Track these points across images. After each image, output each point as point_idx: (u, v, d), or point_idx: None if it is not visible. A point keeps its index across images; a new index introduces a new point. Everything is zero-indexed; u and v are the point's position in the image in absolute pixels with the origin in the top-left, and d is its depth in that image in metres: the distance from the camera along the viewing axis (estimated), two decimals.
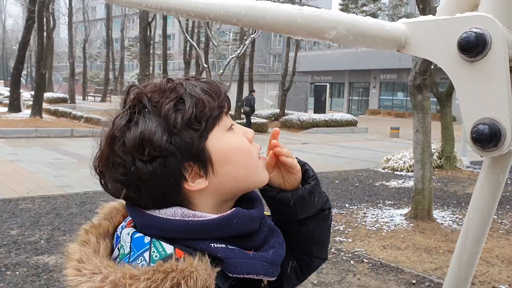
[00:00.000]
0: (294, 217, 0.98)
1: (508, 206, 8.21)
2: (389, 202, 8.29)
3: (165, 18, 33.28)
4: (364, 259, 5.27)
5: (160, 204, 0.81)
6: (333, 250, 5.53)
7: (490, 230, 5.20)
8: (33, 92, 23.48)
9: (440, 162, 12.06)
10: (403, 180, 10.59)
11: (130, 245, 0.78)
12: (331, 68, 42.61)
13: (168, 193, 0.80)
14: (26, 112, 21.41)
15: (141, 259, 0.76)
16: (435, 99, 12.31)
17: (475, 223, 0.94)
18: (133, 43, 57.25)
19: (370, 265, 5.11)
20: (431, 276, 4.85)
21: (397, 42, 0.96)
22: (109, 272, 0.72)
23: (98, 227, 0.85)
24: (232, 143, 0.85)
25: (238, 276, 0.80)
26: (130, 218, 0.86)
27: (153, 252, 0.76)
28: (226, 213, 0.82)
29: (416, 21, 0.94)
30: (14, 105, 21.78)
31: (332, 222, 6.03)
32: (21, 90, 23.97)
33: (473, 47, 0.83)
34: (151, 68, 32.09)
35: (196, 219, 0.79)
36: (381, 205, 8.02)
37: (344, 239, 6.00)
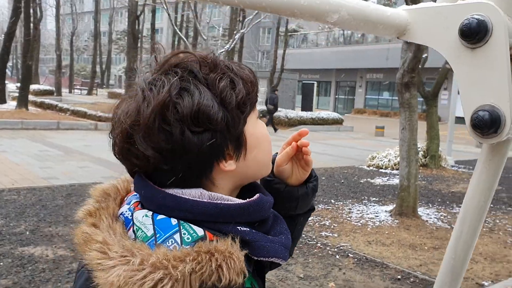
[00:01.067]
0: (291, 211, 1.01)
1: (491, 205, 8.29)
2: (374, 198, 8.34)
3: (153, 12, 33.05)
4: (349, 254, 5.31)
5: (184, 183, 0.78)
6: (319, 244, 5.56)
7: None
8: (19, 84, 23.16)
9: (425, 160, 12.17)
10: (387, 177, 10.67)
11: (154, 227, 0.74)
12: (319, 66, 42.68)
13: (202, 169, 0.79)
14: (11, 104, 21.09)
15: (171, 241, 0.73)
16: (421, 99, 12.40)
17: (472, 210, 0.95)
18: (120, 37, 56.76)
19: (356, 260, 5.15)
20: (416, 272, 4.89)
21: (397, 29, 0.96)
22: (146, 254, 0.69)
23: (107, 209, 0.81)
24: (262, 130, 0.88)
25: (263, 259, 0.80)
26: (136, 200, 0.82)
27: (184, 234, 0.74)
28: (253, 198, 0.82)
29: (417, 8, 0.95)
30: None
31: (318, 217, 6.04)
32: (6, 82, 23.61)
33: (475, 33, 0.84)
34: (138, 62, 31.86)
35: (225, 202, 0.78)
36: (366, 201, 8.07)
37: (330, 234, 6.03)
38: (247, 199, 0.81)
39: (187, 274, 0.67)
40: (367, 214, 7.16)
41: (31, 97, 22.65)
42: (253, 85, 0.84)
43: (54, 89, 32.64)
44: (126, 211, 0.80)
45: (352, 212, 7.24)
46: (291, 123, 22.55)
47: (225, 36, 33.47)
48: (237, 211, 0.78)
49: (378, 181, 10.18)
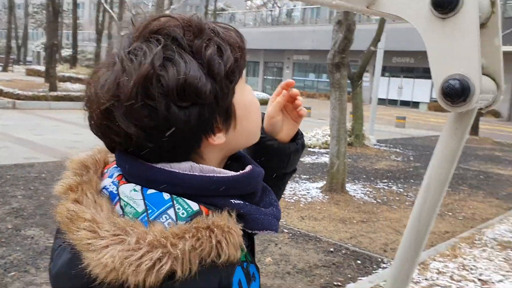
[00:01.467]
0: (281, 170, 1.01)
1: (412, 180, 8.81)
2: (305, 176, 8.55)
3: None
4: (284, 230, 5.43)
5: (171, 157, 0.73)
6: None
7: (397, 202, 5.57)
8: None
9: (350, 139, 12.61)
10: (316, 156, 10.97)
11: (145, 203, 0.69)
12: (247, 46, 42.62)
13: (189, 145, 0.74)
14: None
15: (165, 217, 0.68)
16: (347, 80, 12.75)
17: (437, 178, 0.98)
18: (38, 10, 53.49)
19: (290, 235, 5.28)
20: (347, 244, 5.10)
21: None
22: (142, 232, 0.64)
23: (90, 183, 0.74)
24: (250, 98, 0.83)
25: (257, 232, 0.77)
26: (119, 173, 0.75)
27: (178, 209, 0.69)
28: (246, 170, 0.78)
29: None
30: None
31: None
32: None
33: (447, 3, 0.85)
34: (58, 38, 30.27)
35: (218, 175, 0.74)
36: (297, 179, 8.26)
37: None
38: (240, 171, 0.77)
39: (187, 252, 0.63)
40: (299, 191, 7.33)
41: None
42: (241, 50, 0.78)
43: None
44: (109, 185, 0.74)
45: (285, 189, 7.37)
46: None
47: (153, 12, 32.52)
48: (231, 184, 0.74)
49: (307, 159, 10.43)
